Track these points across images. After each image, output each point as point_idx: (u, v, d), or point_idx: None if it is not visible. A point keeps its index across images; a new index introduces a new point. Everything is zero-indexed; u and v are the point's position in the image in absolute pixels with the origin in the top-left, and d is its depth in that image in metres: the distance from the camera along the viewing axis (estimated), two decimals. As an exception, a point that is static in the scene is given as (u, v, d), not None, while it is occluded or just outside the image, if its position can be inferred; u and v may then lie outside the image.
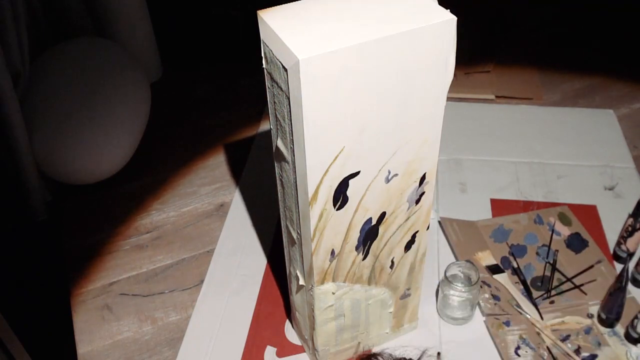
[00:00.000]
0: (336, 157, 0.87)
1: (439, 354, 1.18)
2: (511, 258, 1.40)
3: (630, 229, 1.34)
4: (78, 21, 1.89)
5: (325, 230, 0.94)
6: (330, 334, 1.13)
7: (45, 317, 1.36)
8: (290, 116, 0.83)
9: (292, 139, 0.86)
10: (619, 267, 1.37)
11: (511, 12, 2.43)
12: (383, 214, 0.99)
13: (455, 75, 0.90)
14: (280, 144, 0.92)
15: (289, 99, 0.81)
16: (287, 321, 1.32)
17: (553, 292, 1.31)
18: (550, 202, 1.56)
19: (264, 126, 1.91)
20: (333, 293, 1.05)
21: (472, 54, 2.13)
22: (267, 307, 1.35)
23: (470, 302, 1.23)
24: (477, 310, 1.29)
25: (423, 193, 1.01)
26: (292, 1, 0.87)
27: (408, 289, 1.17)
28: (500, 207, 1.55)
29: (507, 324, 1.25)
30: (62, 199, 1.66)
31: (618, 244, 1.39)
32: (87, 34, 1.92)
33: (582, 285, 1.32)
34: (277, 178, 1.01)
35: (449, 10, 0.83)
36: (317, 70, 0.76)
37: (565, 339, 1.22)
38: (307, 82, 0.76)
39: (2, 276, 1.42)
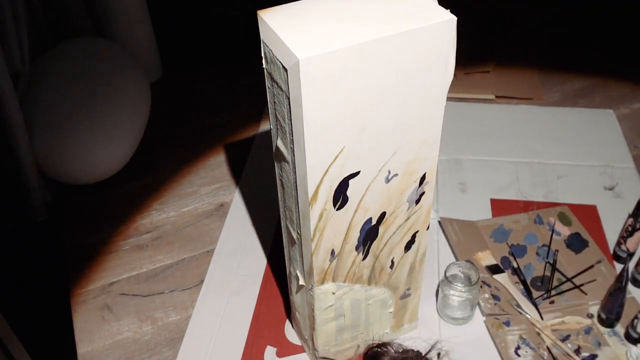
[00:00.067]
0: (336, 157, 0.87)
1: (439, 354, 1.18)
2: (511, 258, 1.40)
3: (630, 229, 1.34)
4: (78, 21, 1.89)
5: (325, 230, 0.94)
6: (330, 334, 1.13)
7: (45, 317, 1.36)
8: (290, 116, 0.83)
9: (292, 139, 0.86)
10: (619, 267, 1.37)
11: (511, 12, 2.43)
12: (383, 214, 0.99)
13: (455, 75, 0.90)
14: (280, 144, 0.92)
15: (289, 99, 0.81)
16: (287, 321, 1.32)
17: (553, 292, 1.31)
18: (550, 202, 1.56)
19: (264, 126, 1.91)
20: (333, 293, 1.05)
21: (472, 54, 2.13)
22: (267, 307, 1.35)
23: (470, 302, 1.23)
24: (477, 310, 1.29)
25: (423, 193, 1.01)
26: (292, 1, 0.87)
27: (408, 289, 1.17)
28: (500, 207, 1.55)
29: (507, 324, 1.25)
30: (62, 199, 1.66)
31: (618, 244, 1.39)
32: (87, 34, 1.92)
33: (582, 285, 1.32)
34: (277, 178, 1.01)
35: (449, 10, 0.83)
36: (317, 70, 0.76)
37: (565, 339, 1.22)
38: (307, 82, 0.76)
39: (2, 276, 1.42)
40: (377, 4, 0.84)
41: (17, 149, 1.47)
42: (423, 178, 0.99)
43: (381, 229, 1.01)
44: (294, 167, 0.90)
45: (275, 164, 0.99)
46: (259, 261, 1.46)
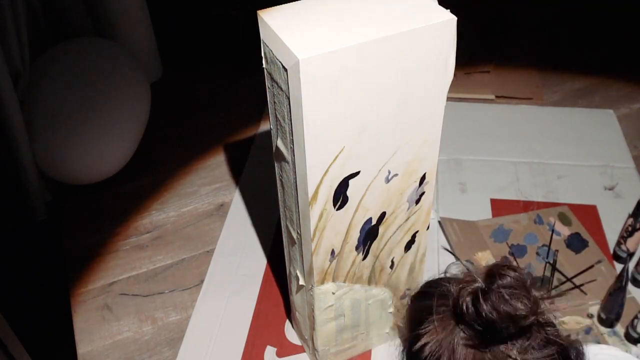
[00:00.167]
0: (336, 157, 0.87)
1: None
2: (511, 258, 1.40)
3: (630, 229, 1.34)
4: (78, 21, 1.89)
5: (325, 230, 0.94)
6: (330, 334, 1.13)
7: (45, 317, 1.36)
8: (290, 116, 0.83)
9: (292, 139, 0.86)
10: (619, 267, 1.37)
11: (511, 12, 2.43)
12: (383, 214, 0.99)
13: (455, 75, 0.90)
14: (280, 144, 0.92)
15: (289, 99, 0.81)
16: (287, 321, 1.31)
17: (553, 292, 1.31)
18: (550, 202, 1.56)
19: (264, 126, 1.91)
20: (333, 293, 1.05)
21: (472, 54, 2.13)
22: (267, 307, 1.35)
23: (470, 302, 1.23)
24: (477, 310, 1.29)
25: (423, 193, 1.01)
26: (292, 1, 0.87)
27: (408, 289, 1.17)
28: (500, 207, 1.55)
29: (507, 324, 1.25)
30: (62, 199, 1.66)
31: (618, 244, 1.39)
32: (87, 34, 1.92)
33: (582, 285, 1.32)
34: (277, 178, 1.01)
35: (449, 10, 0.83)
36: (317, 70, 0.76)
37: (565, 339, 1.22)
38: (307, 82, 0.76)
39: (2, 276, 1.42)
40: (377, 4, 0.84)
41: (17, 149, 1.47)
42: (423, 178, 0.99)
43: (381, 229, 1.01)
44: (294, 167, 0.90)
45: (275, 164, 0.99)
46: (259, 261, 1.46)
